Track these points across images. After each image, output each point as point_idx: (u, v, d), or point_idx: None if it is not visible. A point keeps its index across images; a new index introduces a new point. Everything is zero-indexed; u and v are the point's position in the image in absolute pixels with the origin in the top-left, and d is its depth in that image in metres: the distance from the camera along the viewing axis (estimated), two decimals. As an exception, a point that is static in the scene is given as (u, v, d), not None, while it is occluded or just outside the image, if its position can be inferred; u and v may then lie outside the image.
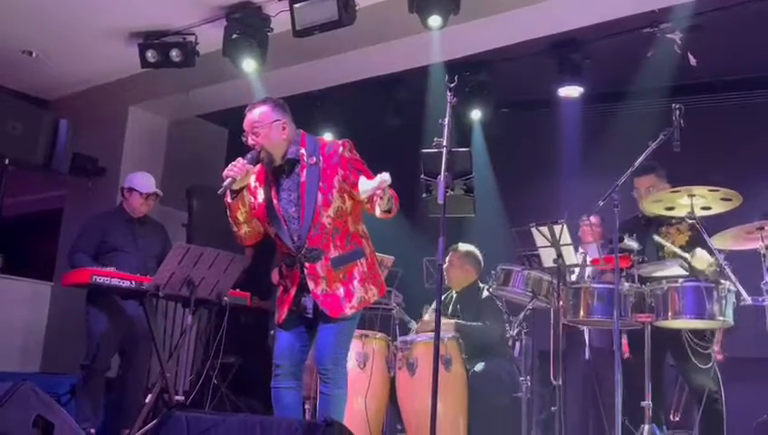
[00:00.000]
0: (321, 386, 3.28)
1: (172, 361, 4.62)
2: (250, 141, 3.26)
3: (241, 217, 3.32)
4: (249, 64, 5.70)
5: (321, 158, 3.27)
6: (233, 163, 3.18)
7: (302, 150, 3.29)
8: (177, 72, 6.23)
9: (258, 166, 3.29)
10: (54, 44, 6.60)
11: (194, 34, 6.07)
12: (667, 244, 4.07)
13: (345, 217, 3.29)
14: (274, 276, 5.55)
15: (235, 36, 5.61)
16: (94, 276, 4.35)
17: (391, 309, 5.05)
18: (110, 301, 4.85)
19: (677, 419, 4.28)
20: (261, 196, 3.33)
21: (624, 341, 4.97)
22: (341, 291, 3.26)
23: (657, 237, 4.05)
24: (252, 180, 3.32)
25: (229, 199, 3.25)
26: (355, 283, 3.28)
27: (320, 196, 3.21)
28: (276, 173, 3.32)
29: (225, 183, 3.16)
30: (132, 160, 7.09)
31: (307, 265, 3.24)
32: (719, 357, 4.50)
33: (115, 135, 7.25)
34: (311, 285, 3.24)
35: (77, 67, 7.08)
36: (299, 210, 3.25)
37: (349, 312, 3.25)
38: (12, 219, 8.06)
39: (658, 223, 4.18)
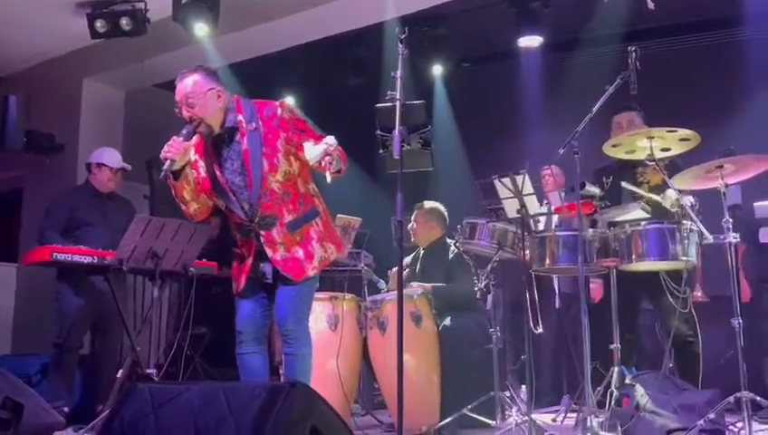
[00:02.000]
0: (284, 347, 3.26)
1: (143, 335, 4.58)
2: (185, 114, 3.13)
3: (187, 196, 3.22)
4: (201, 29, 5.58)
5: (260, 123, 3.17)
6: (168, 144, 3.05)
7: (240, 117, 3.18)
8: (130, 42, 6.08)
9: (195, 140, 3.18)
10: (0, 20, 6.38)
11: (143, 1, 5.91)
12: (635, 189, 4.07)
13: (294, 179, 3.23)
14: None
15: (184, 1, 5.47)
16: (54, 253, 4.28)
17: (360, 270, 5.04)
18: (79, 278, 4.79)
19: (671, 364, 4.33)
20: (203, 169, 3.23)
21: (596, 285, 5.04)
22: (301, 253, 3.21)
23: (624, 184, 4.05)
24: (192, 154, 3.21)
25: (172, 181, 3.14)
26: (313, 243, 3.24)
27: (265, 162, 3.13)
28: (216, 143, 3.21)
29: (165, 166, 3.04)
30: (90, 135, 6.95)
31: (262, 232, 3.19)
32: (703, 299, 4.58)
33: (70, 110, 7.09)
34: (269, 252, 3.19)
35: (26, 41, 6.87)
36: (245, 179, 3.17)
37: (311, 273, 3.22)
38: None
39: (634, 164, 4.17)
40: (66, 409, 4.67)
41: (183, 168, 3.14)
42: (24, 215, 7.29)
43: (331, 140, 2.88)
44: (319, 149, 2.87)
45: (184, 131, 3.11)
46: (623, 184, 4.07)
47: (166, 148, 3.05)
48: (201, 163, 3.24)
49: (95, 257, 4.38)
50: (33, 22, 6.43)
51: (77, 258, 4.34)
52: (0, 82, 7.39)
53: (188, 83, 3.14)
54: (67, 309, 4.86)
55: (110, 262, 4.32)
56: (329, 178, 2.87)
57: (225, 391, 2.08)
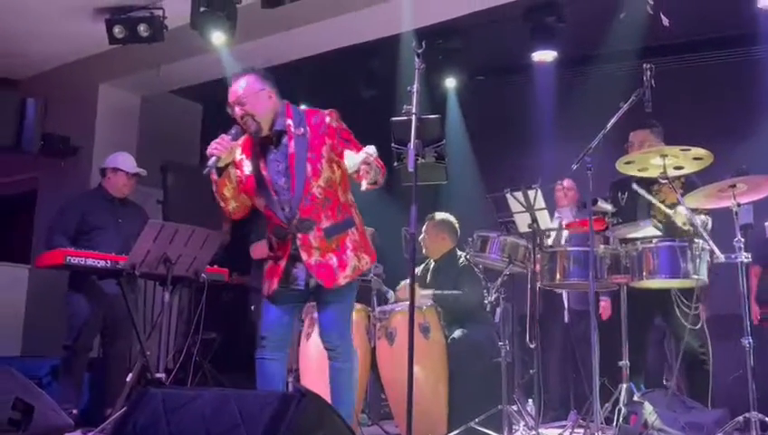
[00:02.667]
0: (331, 362, 3.31)
1: (153, 339, 4.61)
2: (237, 112, 3.19)
3: (228, 193, 3.27)
4: (218, 37, 5.63)
5: (308, 128, 3.22)
6: (216, 140, 3.12)
7: (289, 121, 3.23)
8: (147, 48, 6.14)
9: (242, 140, 3.24)
10: (20, 23, 6.46)
11: (161, 9, 5.98)
12: (650, 196, 4.07)
13: (335, 186, 3.27)
14: (254, 252, 5.54)
15: (202, 9, 5.51)
16: (68, 257, 4.32)
17: (369, 280, 5.05)
18: (90, 282, 4.82)
19: (672, 382, 4.32)
20: (248, 168, 3.27)
21: (606, 302, 5.04)
22: (334, 261, 3.24)
23: (635, 186, 4.04)
24: (237, 153, 3.27)
25: (215, 177, 3.19)
26: (348, 252, 3.26)
27: (309, 166, 3.18)
28: (263, 144, 3.27)
29: (210, 162, 3.09)
30: (105, 139, 7.02)
31: (299, 235, 3.22)
32: (704, 315, 4.57)
33: (86, 114, 7.17)
34: (304, 255, 3.22)
35: (45, 46, 6.95)
36: (289, 181, 3.20)
37: (342, 281, 3.24)
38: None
39: (650, 181, 4.16)
40: (75, 411, 4.69)
41: (227, 166, 3.19)
42: (37, 217, 7.34)
43: (370, 149, 2.93)
44: (358, 158, 2.93)
45: (232, 131, 3.17)
46: (634, 186, 4.06)
47: (213, 144, 3.11)
48: (247, 162, 3.27)
49: (108, 262, 4.41)
50: (51, 26, 6.51)
51: (90, 262, 4.37)
52: (18, 85, 7.47)
53: (242, 84, 3.21)
54: (77, 312, 4.89)
55: (122, 266, 4.34)
56: (364, 187, 2.94)
57: (237, 399, 2.10)
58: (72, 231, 4.93)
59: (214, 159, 3.09)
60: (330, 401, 3.10)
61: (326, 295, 3.28)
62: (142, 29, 5.95)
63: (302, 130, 3.22)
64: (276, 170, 3.23)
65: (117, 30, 6.01)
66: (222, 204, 3.32)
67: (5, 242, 8.08)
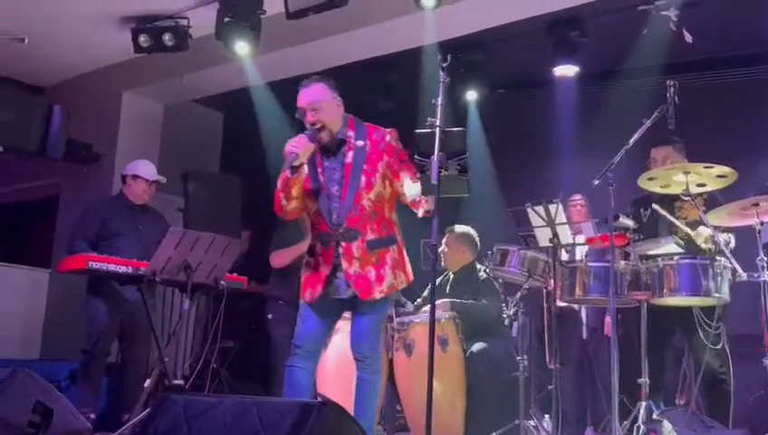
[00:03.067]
0: (359, 372, 3.36)
1: (171, 345, 4.64)
2: (309, 117, 3.27)
3: (295, 193, 3.33)
4: (242, 47, 5.67)
5: (368, 142, 3.33)
6: (294, 140, 3.22)
7: (350, 133, 3.35)
8: (171, 57, 6.20)
9: (315, 144, 3.30)
10: (47, 31, 6.55)
11: (186, 18, 6.04)
12: (670, 216, 4.04)
13: (383, 202, 3.36)
14: (275, 260, 5.55)
15: (227, 19, 5.57)
16: (90, 262, 4.36)
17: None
18: (110, 287, 4.86)
19: (682, 401, 4.29)
20: (305, 171, 3.35)
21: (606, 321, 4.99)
22: (373, 274, 3.31)
23: (655, 206, 4.02)
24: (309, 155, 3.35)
25: (288, 175, 3.24)
26: (386, 268, 3.33)
27: (363, 178, 3.28)
28: (323, 151, 3.36)
29: (289, 159, 3.18)
30: (127, 146, 7.08)
31: (343, 244, 3.29)
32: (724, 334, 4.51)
33: (110, 121, 7.23)
34: (344, 264, 3.29)
35: (70, 53, 7.04)
36: (341, 189, 3.30)
37: (378, 295, 3.30)
38: (8, 207, 8.06)
39: (672, 198, 4.15)
40: (93, 416, 4.71)
41: (301, 165, 3.25)
42: (59, 222, 7.41)
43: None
44: (418, 188, 3.02)
45: (309, 132, 3.26)
46: (654, 206, 4.04)
47: (293, 142, 3.20)
48: (306, 166, 3.33)
49: (129, 267, 4.45)
50: (78, 35, 6.60)
51: (112, 268, 4.41)
52: (43, 92, 7.56)
53: (315, 89, 3.32)
54: (96, 317, 4.94)
55: (143, 272, 4.38)
56: (420, 214, 3.08)
57: (258, 407, 2.11)
58: (93, 237, 4.99)
59: (292, 156, 3.17)
60: (352, 411, 3.13)
61: (361, 307, 3.34)
62: (167, 38, 6.01)
63: (362, 142, 3.32)
64: (331, 178, 3.33)
65: (142, 39, 6.07)
66: (284, 202, 3.36)
67: (27, 246, 8.18)
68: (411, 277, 3.50)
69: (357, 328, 3.38)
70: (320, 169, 3.35)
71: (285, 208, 3.40)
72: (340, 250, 3.30)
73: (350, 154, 3.32)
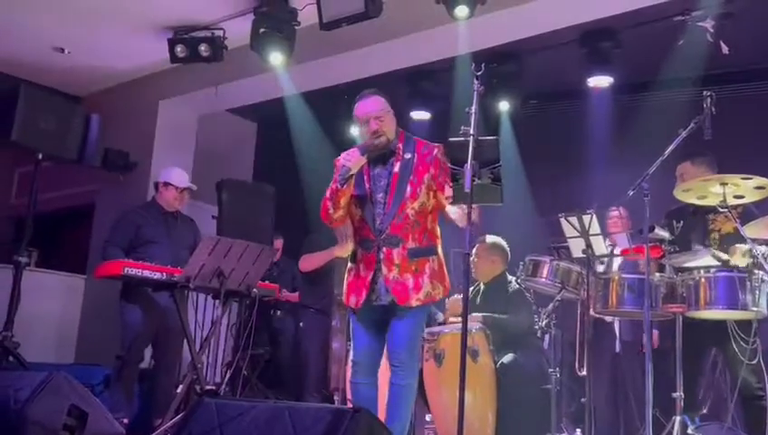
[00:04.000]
0: (393, 377, 3.40)
1: (203, 352, 4.67)
2: (373, 125, 3.41)
3: (343, 202, 3.46)
4: (276, 58, 5.74)
5: (415, 154, 3.46)
6: (347, 153, 3.38)
7: (399, 145, 3.49)
8: (206, 67, 6.31)
9: (366, 157, 3.43)
10: (85, 41, 6.70)
11: (222, 29, 6.14)
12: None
13: (426, 213, 3.46)
14: (303, 264, 5.57)
15: (262, 30, 5.64)
16: (126, 268, 4.41)
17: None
18: (143, 293, 4.91)
19: (704, 411, 4.22)
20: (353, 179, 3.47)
21: (654, 336, 4.93)
22: (411, 282, 3.39)
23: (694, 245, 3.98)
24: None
25: (339, 186, 3.38)
26: (425, 277, 3.41)
27: (408, 188, 3.40)
28: (371, 161, 3.48)
29: (343, 172, 3.34)
30: (163, 155, 7.19)
31: (384, 249, 3.39)
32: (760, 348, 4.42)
33: (146, 130, 7.36)
34: (384, 269, 3.39)
35: (108, 63, 7.19)
36: (386, 197, 3.43)
37: (414, 302, 3.37)
38: (47, 214, 8.20)
39: (706, 210, 4.09)
40: (126, 420, 4.77)
41: (352, 177, 3.39)
42: (95, 229, 7.54)
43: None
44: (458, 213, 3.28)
45: (362, 145, 3.42)
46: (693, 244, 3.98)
47: (346, 156, 3.37)
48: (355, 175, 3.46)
49: (164, 274, 4.48)
50: (116, 45, 6.74)
51: (147, 274, 4.45)
52: (81, 101, 7.72)
53: (377, 101, 3.50)
54: (130, 323, 4.99)
55: (177, 279, 4.42)
56: (461, 225, 3.25)
57: (291, 412, 2.12)
58: (126, 244, 5.05)
59: (345, 168, 3.33)
60: (384, 417, 3.16)
61: (400, 312, 3.39)
62: (203, 49, 6.11)
63: (410, 155, 3.46)
64: (377, 186, 3.46)
65: (179, 49, 6.18)
66: (332, 210, 3.48)
67: (63, 252, 8.32)
68: (448, 289, 3.57)
69: (395, 334, 3.42)
70: (366, 177, 3.48)
71: (332, 216, 3.50)
72: (381, 255, 3.40)
73: (398, 164, 3.45)
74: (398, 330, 3.40)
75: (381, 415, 3.38)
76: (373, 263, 3.42)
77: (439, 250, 3.52)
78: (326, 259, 5.45)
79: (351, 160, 3.36)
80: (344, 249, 5.37)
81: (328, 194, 3.47)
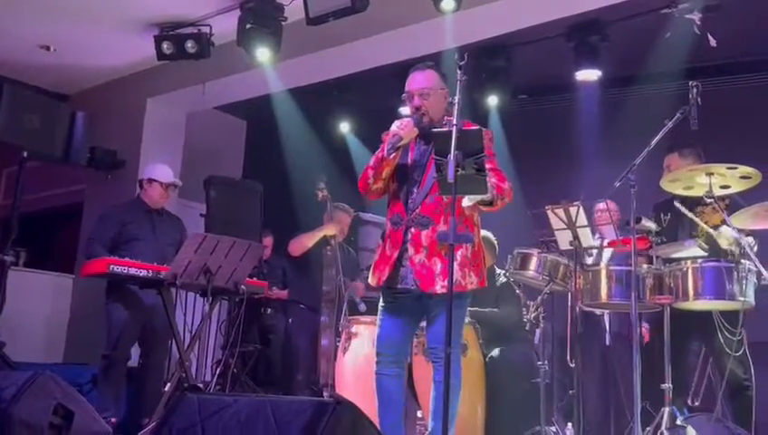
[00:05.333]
0: (435, 374, 3.29)
1: (191, 350, 4.64)
2: (416, 102, 3.29)
3: (385, 174, 3.34)
4: (263, 54, 5.71)
5: None
6: (401, 122, 3.24)
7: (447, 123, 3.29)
8: (193, 64, 6.27)
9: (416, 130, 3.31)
10: (71, 39, 6.66)
11: (208, 25, 6.10)
12: (692, 215, 3.98)
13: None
14: (293, 245, 5.53)
15: (249, 26, 5.62)
16: (112, 266, 4.39)
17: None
18: (128, 291, 4.88)
19: (697, 403, 4.22)
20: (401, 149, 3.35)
21: (644, 330, 4.92)
22: (438, 267, 3.21)
23: (677, 204, 3.96)
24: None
25: (385, 154, 3.25)
26: (455, 264, 3.15)
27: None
28: (419, 137, 3.34)
29: (393, 140, 3.20)
30: (151, 153, 7.15)
31: (413, 229, 3.26)
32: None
33: (133, 128, 7.32)
34: (411, 250, 3.26)
35: (94, 61, 7.16)
36: (422, 175, 3.29)
37: (439, 289, 3.19)
38: (34, 214, 8.17)
39: (694, 202, 4.08)
40: (113, 419, 4.74)
41: (401, 147, 3.27)
42: (83, 228, 7.50)
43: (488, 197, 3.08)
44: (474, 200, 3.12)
45: (414, 117, 3.28)
46: (676, 204, 3.98)
47: (399, 125, 3.22)
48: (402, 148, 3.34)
49: (150, 271, 4.47)
50: (102, 42, 6.70)
51: (133, 271, 4.43)
52: (68, 99, 7.68)
53: (428, 76, 3.34)
54: (115, 321, 4.95)
55: (164, 276, 4.40)
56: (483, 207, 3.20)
57: (272, 406, 2.10)
58: (110, 241, 5.00)
59: (397, 137, 3.20)
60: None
61: (433, 304, 3.25)
62: (189, 45, 6.08)
63: None
64: (418, 163, 3.32)
65: (165, 46, 6.15)
66: (371, 180, 3.36)
67: (51, 252, 8.28)
68: (485, 282, 3.38)
69: (433, 329, 3.27)
70: (411, 154, 3.35)
71: (370, 187, 3.38)
72: (410, 235, 3.26)
73: None
74: (435, 325, 3.24)
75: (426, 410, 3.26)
76: (400, 242, 3.28)
77: (475, 239, 3.35)
78: (315, 239, 5.42)
79: (405, 130, 3.22)
80: (331, 228, 5.35)
81: (372, 162, 3.34)
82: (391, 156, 3.25)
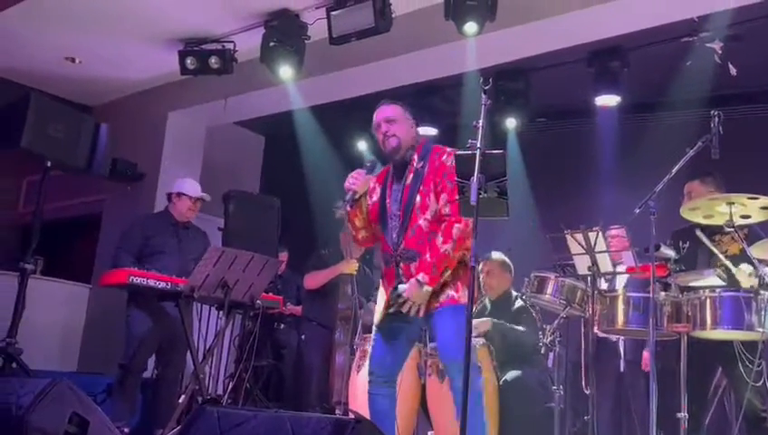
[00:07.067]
0: (452, 384, 3.28)
1: (206, 362, 4.66)
2: (383, 128, 3.39)
3: (359, 223, 3.48)
4: (286, 72, 5.77)
5: (427, 163, 3.38)
6: (353, 176, 3.34)
7: (415, 156, 3.40)
8: (216, 79, 6.34)
9: (375, 174, 3.44)
10: (96, 51, 6.75)
11: (232, 42, 6.17)
12: (711, 245, 3.97)
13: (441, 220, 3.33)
14: (308, 281, 5.59)
15: (272, 44, 5.69)
16: (131, 277, 4.42)
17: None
18: (150, 303, 4.91)
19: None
20: (376, 196, 3.47)
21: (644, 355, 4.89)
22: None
23: (699, 232, 3.95)
24: (370, 184, 3.48)
25: (348, 208, 3.38)
26: (447, 290, 3.29)
27: (418, 198, 3.31)
28: (394, 175, 3.45)
29: (348, 196, 3.32)
30: (171, 166, 7.22)
31: (402, 265, 3.34)
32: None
33: (154, 141, 7.39)
34: (405, 282, 3.31)
35: (118, 74, 7.25)
36: (399, 209, 3.36)
37: (433, 304, 3.26)
38: (54, 223, 8.23)
39: (712, 231, 4.08)
40: (127, 430, 4.76)
41: (360, 198, 3.40)
42: (101, 238, 7.56)
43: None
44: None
45: (368, 164, 3.41)
46: (697, 232, 3.97)
47: (350, 179, 3.34)
48: (377, 190, 3.48)
49: (169, 283, 4.50)
50: (127, 56, 6.79)
51: (152, 283, 4.46)
52: (92, 111, 7.77)
53: (392, 108, 3.47)
54: (136, 332, 4.98)
55: (182, 289, 4.43)
56: None
57: (292, 422, 2.11)
58: (137, 251, 5.06)
59: (351, 193, 3.31)
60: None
61: (433, 321, 3.30)
62: (213, 61, 6.15)
63: (422, 163, 3.37)
64: (394, 199, 3.40)
65: (189, 61, 6.22)
66: (353, 232, 3.53)
67: (69, 261, 8.34)
68: (476, 297, 3.51)
69: (441, 336, 3.30)
70: (388, 192, 3.44)
71: (356, 239, 3.55)
72: (400, 271, 3.34)
73: (411, 176, 3.37)
74: (440, 336, 3.28)
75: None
76: (393, 278, 3.37)
77: (463, 260, 3.34)
78: (332, 276, 5.46)
79: (356, 183, 3.33)
80: (350, 265, 5.40)
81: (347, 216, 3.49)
82: (354, 208, 3.38)
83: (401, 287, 3.27)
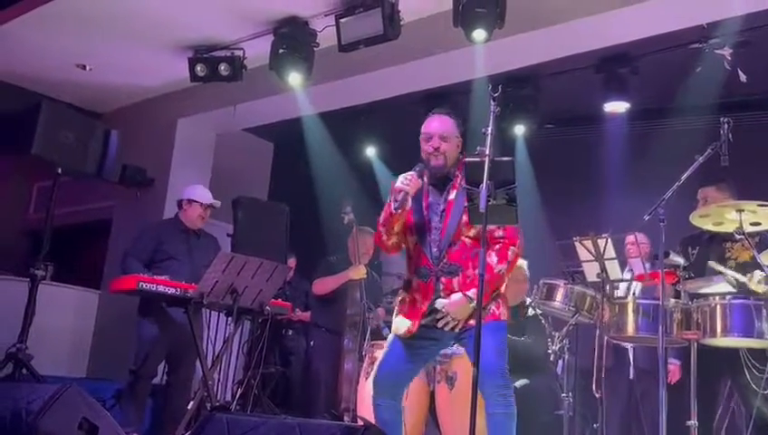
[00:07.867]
0: (490, 406, 3.22)
1: (214, 369, 4.67)
2: (435, 142, 3.32)
3: (397, 228, 3.38)
4: (295, 78, 5.79)
5: None
6: (407, 177, 3.25)
7: (458, 173, 3.34)
8: (225, 86, 6.36)
9: (423, 180, 3.36)
10: (106, 58, 6.79)
11: (242, 49, 6.19)
12: (722, 268, 3.94)
13: None
14: (317, 287, 5.59)
15: (281, 51, 5.70)
16: (141, 283, 4.44)
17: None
18: (160, 309, 4.93)
19: None
20: (409, 205, 3.36)
21: (676, 367, 4.86)
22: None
23: (711, 263, 3.93)
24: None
25: (393, 210, 3.28)
26: (489, 305, 3.25)
27: (464, 215, 3.22)
28: (430, 186, 3.40)
29: (400, 197, 3.22)
30: (180, 172, 7.24)
31: (443, 279, 3.28)
32: None
33: (164, 147, 7.42)
34: (444, 296, 3.27)
35: (128, 80, 7.28)
36: (441, 223, 3.31)
37: (471, 322, 3.21)
38: (63, 229, 8.27)
39: (722, 238, 4.07)
40: (136, 435, 4.78)
41: (408, 201, 3.30)
42: (110, 244, 7.58)
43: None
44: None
45: (417, 169, 3.31)
46: (710, 264, 3.94)
47: (404, 181, 3.24)
48: (411, 200, 3.36)
49: (178, 289, 4.51)
50: (137, 62, 6.82)
51: (161, 289, 4.48)
52: (101, 117, 7.81)
53: (447, 122, 3.40)
54: (146, 338, 5.00)
55: (191, 295, 4.44)
56: None
57: (301, 428, 2.11)
58: (147, 258, 5.08)
59: (403, 193, 3.22)
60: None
61: (471, 337, 3.19)
62: (222, 68, 6.17)
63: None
64: (434, 211, 3.35)
65: (199, 68, 6.24)
66: (385, 237, 3.43)
67: (79, 267, 8.37)
68: (508, 315, 3.40)
69: (486, 356, 3.12)
70: (425, 204, 3.38)
71: (386, 243, 3.44)
72: (440, 285, 3.28)
73: (454, 192, 3.33)
74: (486, 356, 3.08)
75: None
76: (431, 292, 3.29)
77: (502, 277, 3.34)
78: (340, 282, 5.47)
79: (411, 185, 3.23)
80: (358, 271, 5.40)
81: (382, 218, 3.38)
82: (399, 211, 3.28)
83: (440, 302, 3.24)
